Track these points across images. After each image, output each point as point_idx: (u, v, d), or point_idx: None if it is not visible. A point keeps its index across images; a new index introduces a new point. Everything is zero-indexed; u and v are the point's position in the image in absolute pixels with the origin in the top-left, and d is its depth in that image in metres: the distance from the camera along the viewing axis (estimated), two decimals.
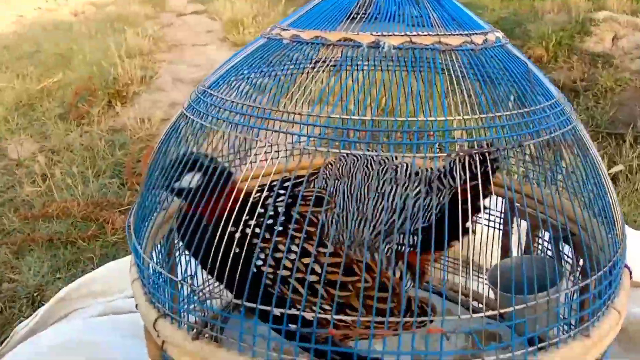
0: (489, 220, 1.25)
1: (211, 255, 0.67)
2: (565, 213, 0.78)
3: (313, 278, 0.70)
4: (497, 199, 1.17)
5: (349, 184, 0.82)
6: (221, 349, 0.67)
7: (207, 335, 0.70)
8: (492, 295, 1.22)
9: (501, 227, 1.26)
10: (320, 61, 0.73)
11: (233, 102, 0.74)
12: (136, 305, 0.82)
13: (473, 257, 1.30)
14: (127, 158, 2.81)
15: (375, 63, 0.79)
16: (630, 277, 0.86)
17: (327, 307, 0.70)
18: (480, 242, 1.22)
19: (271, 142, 0.66)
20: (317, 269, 0.71)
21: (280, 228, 0.74)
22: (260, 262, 0.71)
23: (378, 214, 0.78)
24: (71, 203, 2.23)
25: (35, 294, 1.71)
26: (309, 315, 0.63)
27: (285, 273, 0.70)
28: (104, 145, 2.93)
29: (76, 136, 3.16)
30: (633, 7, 4.73)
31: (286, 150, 0.69)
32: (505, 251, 1.27)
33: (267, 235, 0.73)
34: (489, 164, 0.71)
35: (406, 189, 0.81)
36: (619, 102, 3.44)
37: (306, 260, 0.71)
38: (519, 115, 0.69)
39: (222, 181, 0.71)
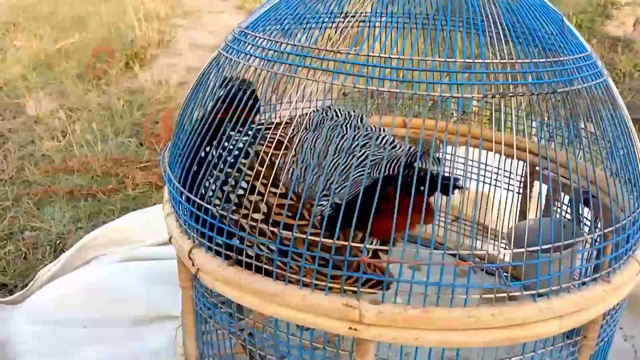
0: (508, 184, 1.26)
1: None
2: (588, 176, 0.79)
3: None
4: (517, 162, 1.19)
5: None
6: (256, 275, 0.70)
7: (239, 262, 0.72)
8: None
9: (520, 190, 1.28)
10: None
11: (272, 40, 0.75)
12: (170, 239, 0.85)
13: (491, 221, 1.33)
14: (145, 119, 2.83)
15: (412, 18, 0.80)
16: None
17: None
18: (499, 205, 1.24)
19: (312, 77, 0.68)
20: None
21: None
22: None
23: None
24: (91, 158, 2.26)
25: (57, 242, 1.75)
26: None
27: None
28: (122, 105, 2.95)
29: (94, 96, 3.18)
30: None
31: (325, 87, 0.71)
32: (524, 215, 1.30)
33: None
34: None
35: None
36: (637, 87, 3.42)
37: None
38: (553, 63, 0.70)
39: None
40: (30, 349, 1.20)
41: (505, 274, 0.99)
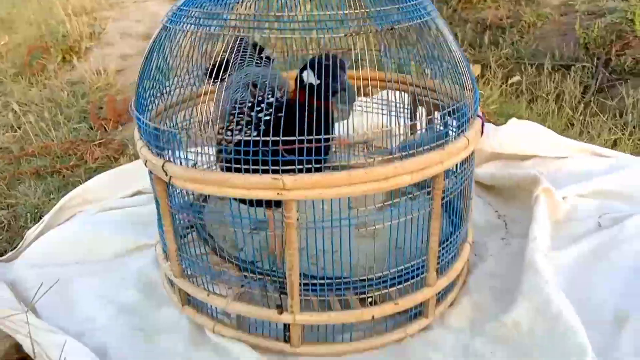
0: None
1: None
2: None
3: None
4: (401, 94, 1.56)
5: None
6: (212, 171, 1.05)
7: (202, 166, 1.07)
8: None
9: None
10: None
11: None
12: (145, 163, 1.17)
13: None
14: (90, 105, 3.08)
15: None
16: (482, 125, 1.27)
17: None
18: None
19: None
20: None
21: None
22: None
23: None
24: (50, 142, 2.51)
25: (35, 212, 2.02)
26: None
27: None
28: (67, 96, 3.17)
29: (37, 90, 3.38)
30: None
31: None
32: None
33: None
34: None
35: None
36: (540, 35, 3.82)
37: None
38: (392, 9, 1.07)
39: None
40: (34, 285, 1.49)
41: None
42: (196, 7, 1.13)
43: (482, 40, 3.75)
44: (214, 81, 1.14)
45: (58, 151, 2.45)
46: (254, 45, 1.47)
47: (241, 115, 1.17)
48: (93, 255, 1.61)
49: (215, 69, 1.10)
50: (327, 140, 1.02)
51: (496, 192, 1.83)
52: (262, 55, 1.43)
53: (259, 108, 1.13)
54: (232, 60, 1.14)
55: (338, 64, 1.09)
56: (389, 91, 1.22)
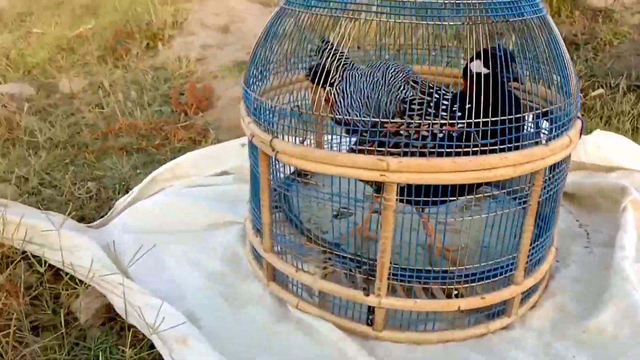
0: None
1: None
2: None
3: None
4: None
5: None
6: (320, 149, 1.09)
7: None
8: None
9: None
10: None
11: None
12: (251, 138, 1.23)
13: None
14: (172, 91, 3.20)
15: None
16: (582, 126, 1.27)
17: None
18: None
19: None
20: None
21: None
22: None
23: None
24: (136, 121, 2.64)
25: (122, 184, 2.12)
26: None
27: None
28: (150, 79, 3.31)
29: (121, 73, 3.54)
30: None
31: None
32: None
33: None
34: None
35: None
36: (616, 54, 3.71)
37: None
38: (507, 2, 1.09)
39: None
40: (128, 248, 1.57)
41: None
42: None
43: None
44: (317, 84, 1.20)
45: (143, 130, 2.57)
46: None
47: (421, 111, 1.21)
48: (183, 226, 1.68)
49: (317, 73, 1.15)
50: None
51: (577, 201, 1.81)
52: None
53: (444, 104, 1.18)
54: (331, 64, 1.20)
55: (509, 55, 1.12)
56: None
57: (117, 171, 2.22)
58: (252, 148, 1.28)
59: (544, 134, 1.45)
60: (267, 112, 1.18)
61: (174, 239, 1.63)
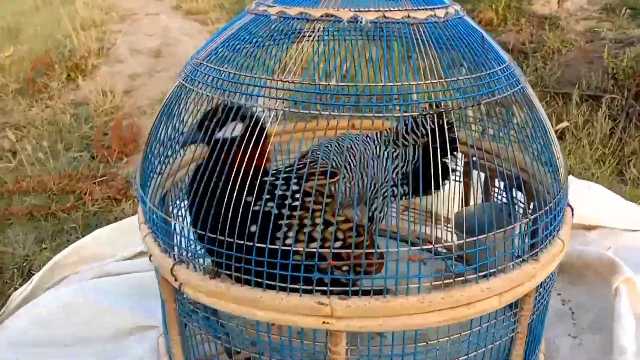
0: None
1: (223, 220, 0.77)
2: (518, 164, 0.93)
3: (338, 244, 0.82)
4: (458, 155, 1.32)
5: (351, 157, 0.96)
6: (236, 285, 0.79)
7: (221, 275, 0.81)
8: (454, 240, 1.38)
9: (461, 180, 1.41)
10: (306, 34, 0.84)
11: (231, 72, 0.84)
12: (150, 257, 0.92)
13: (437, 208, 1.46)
14: (94, 131, 2.84)
15: (353, 36, 0.89)
16: (572, 215, 1.02)
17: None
18: (443, 195, 1.37)
19: (270, 106, 0.77)
20: (340, 235, 0.84)
21: (297, 203, 0.84)
22: (289, 240, 0.82)
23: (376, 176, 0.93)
24: (45, 177, 2.27)
25: (23, 264, 1.77)
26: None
27: (314, 245, 0.82)
28: (70, 119, 2.94)
29: (38, 111, 3.15)
30: None
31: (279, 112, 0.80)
32: (467, 202, 1.43)
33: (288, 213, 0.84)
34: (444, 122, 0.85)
35: (383, 149, 0.95)
36: (565, 62, 3.57)
37: (330, 229, 0.83)
38: (476, 78, 0.82)
39: (258, 132, 0.80)
40: None
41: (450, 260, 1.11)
42: (219, 64, 0.88)
43: None
44: None
45: (54, 188, 2.21)
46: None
47: None
48: (86, 333, 1.35)
49: None
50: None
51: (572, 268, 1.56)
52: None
53: None
54: None
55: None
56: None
57: (19, 246, 1.86)
58: (155, 269, 0.97)
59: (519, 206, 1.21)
60: (169, 230, 0.88)
61: (73, 353, 1.30)
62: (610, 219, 1.63)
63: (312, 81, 0.77)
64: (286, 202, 0.84)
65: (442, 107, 0.78)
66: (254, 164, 0.78)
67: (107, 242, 1.62)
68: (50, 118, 3.03)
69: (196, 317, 0.94)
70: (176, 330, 0.96)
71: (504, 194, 1.27)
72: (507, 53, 0.95)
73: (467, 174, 1.39)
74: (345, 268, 0.80)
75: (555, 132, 2.68)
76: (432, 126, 0.86)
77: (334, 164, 0.99)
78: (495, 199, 1.33)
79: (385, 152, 1.02)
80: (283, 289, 0.77)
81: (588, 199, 1.66)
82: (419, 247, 0.95)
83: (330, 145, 1.01)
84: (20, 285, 1.61)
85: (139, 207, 0.99)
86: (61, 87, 3.42)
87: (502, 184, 1.30)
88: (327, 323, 0.76)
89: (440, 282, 0.77)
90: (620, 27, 3.89)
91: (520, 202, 1.22)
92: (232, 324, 0.90)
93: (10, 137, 2.61)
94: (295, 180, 0.88)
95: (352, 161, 0.98)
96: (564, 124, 2.57)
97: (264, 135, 0.83)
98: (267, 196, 0.79)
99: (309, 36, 0.85)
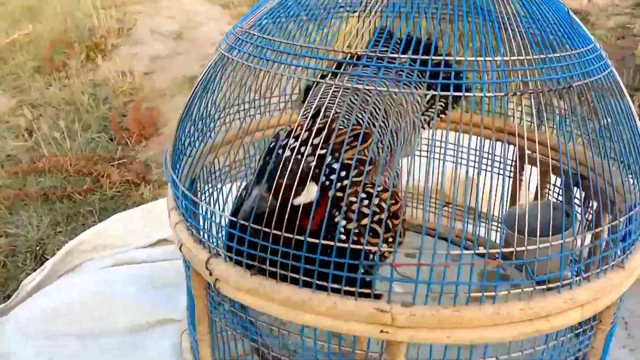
0: (499, 168, 1.28)
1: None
2: (577, 159, 0.81)
3: (384, 215, 0.72)
4: (508, 147, 1.20)
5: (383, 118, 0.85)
6: (281, 283, 0.69)
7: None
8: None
9: (511, 174, 1.30)
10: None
11: (282, 42, 0.73)
12: (180, 247, 0.83)
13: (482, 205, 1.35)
14: (112, 112, 2.76)
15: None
16: None
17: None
18: (490, 190, 1.25)
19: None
20: (384, 205, 0.73)
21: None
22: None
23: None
24: (62, 157, 2.18)
25: (37, 248, 1.69)
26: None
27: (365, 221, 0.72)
28: (88, 99, 2.85)
29: (56, 90, 3.06)
30: None
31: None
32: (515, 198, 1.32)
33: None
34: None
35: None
36: None
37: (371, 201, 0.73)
38: (566, 57, 0.71)
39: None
40: None
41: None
42: (266, 32, 0.78)
43: None
44: None
45: (71, 170, 2.12)
46: None
47: None
48: (103, 326, 1.26)
49: None
50: None
51: None
52: None
53: None
54: None
55: None
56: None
57: (32, 229, 1.77)
58: (185, 262, 0.87)
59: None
60: (204, 217, 0.78)
61: (89, 346, 1.21)
62: None
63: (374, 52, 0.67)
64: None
65: (530, 88, 0.66)
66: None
67: (123, 229, 1.52)
68: (67, 97, 2.94)
69: (222, 311, 0.85)
70: (206, 328, 0.86)
71: (562, 192, 1.16)
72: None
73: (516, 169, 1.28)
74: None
75: None
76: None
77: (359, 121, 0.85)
78: (550, 198, 1.22)
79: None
80: (336, 291, 0.67)
81: None
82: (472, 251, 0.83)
83: (351, 99, 0.86)
84: (33, 270, 1.53)
85: (169, 192, 0.89)
86: (80, 66, 3.34)
87: (558, 180, 1.19)
88: (387, 332, 0.66)
89: (518, 290, 0.66)
90: None
91: (577, 198, 1.11)
92: (262, 323, 0.81)
93: (27, 115, 2.52)
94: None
95: (380, 118, 0.85)
96: None
97: None
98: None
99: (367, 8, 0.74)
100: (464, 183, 1.38)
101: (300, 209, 0.69)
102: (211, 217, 0.76)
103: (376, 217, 0.73)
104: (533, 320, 0.67)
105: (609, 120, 0.76)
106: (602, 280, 0.71)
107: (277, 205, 0.68)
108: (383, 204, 0.74)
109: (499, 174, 1.27)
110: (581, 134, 0.79)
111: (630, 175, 0.82)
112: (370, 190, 0.74)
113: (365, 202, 0.74)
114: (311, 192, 0.71)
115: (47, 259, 1.52)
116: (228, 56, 0.80)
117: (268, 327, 0.83)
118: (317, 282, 0.67)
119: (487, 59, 0.65)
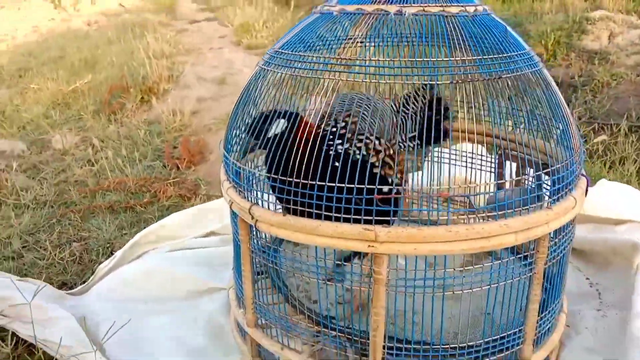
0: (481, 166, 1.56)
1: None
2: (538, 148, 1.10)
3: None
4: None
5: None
6: (300, 217, 1.00)
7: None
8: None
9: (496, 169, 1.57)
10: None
11: (308, 55, 1.06)
12: (230, 205, 1.14)
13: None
14: (165, 144, 3.14)
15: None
16: (588, 185, 1.18)
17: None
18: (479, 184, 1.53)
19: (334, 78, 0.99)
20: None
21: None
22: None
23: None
24: (125, 178, 2.56)
25: (107, 246, 2.03)
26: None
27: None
28: (143, 134, 3.26)
29: (114, 128, 3.49)
30: (628, 6, 5.01)
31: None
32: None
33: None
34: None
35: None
36: (614, 95, 3.66)
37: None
38: (498, 58, 1.01)
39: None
40: (105, 319, 1.47)
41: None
42: (293, 50, 1.11)
43: None
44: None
45: (132, 187, 2.49)
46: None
47: None
48: (165, 293, 1.58)
49: None
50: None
51: (586, 257, 1.70)
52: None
53: None
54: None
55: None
56: (472, 144, 1.15)
57: (102, 232, 2.12)
58: (233, 215, 1.19)
59: (546, 190, 1.37)
60: (247, 177, 1.10)
61: (154, 308, 1.52)
62: (638, 214, 1.75)
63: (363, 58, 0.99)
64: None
65: (472, 78, 0.97)
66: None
67: (183, 223, 1.86)
68: (126, 133, 3.36)
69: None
70: (249, 267, 1.17)
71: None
72: (529, 47, 1.14)
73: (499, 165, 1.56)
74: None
75: (593, 144, 2.78)
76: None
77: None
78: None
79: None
80: (338, 220, 0.97)
81: (618, 196, 1.79)
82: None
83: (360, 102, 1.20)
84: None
85: (222, 168, 1.21)
86: (135, 107, 3.78)
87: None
88: (372, 247, 0.95)
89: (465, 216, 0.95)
90: None
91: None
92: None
93: (90, 149, 2.92)
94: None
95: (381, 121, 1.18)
96: (602, 137, 2.67)
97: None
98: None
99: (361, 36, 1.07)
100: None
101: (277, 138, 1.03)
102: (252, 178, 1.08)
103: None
104: (477, 239, 0.95)
105: (537, 104, 1.06)
106: (532, 215, 0.99)
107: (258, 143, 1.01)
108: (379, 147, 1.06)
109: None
110: (512, 117, 1.09)
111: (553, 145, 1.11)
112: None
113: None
114: (279, 124, 1.04)
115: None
116: (264, 68, 1.14)
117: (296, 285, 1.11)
118: (325, 213, 0.97)
119: (444, 59, 0.96)
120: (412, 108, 1.24)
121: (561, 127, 1.09)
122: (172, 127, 3.42)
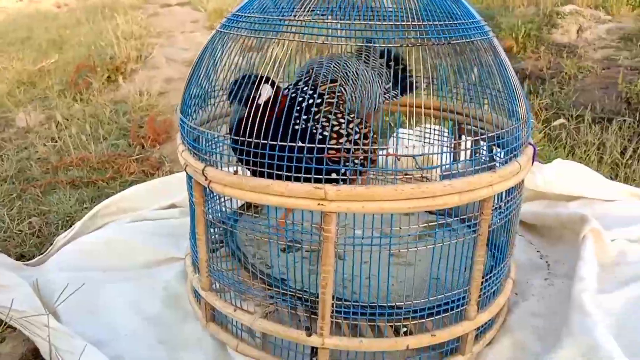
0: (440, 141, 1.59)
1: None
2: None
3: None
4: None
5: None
6: (252, 177, 1.01)
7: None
8: None
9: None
10: None
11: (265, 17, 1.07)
12: (185, 168, 1.15)
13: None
14: (131, 123, 3.12)
15: None
16: (535, 153, 1.22)
17: None
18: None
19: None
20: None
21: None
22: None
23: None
24: (87, 154, 2.53)
25: (66, 220, 2.01)
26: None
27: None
28: (109, 112, 3.22)
29: (80, 107, 3.45)
30: (597, 1, 5.12)
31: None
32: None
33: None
34: None
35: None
36: (581, 88, 3.75)
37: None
38: (450, 25, 1.04)
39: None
40: (61, 286, 1.46)
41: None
42: (252, 12, 1.12)
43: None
44: None
45: (95, 163, 2.47)
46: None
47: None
48: (123, 263, 1.58)
49: None
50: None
51: (539, 231, 1.76)
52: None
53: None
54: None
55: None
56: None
57: (63, 206, 2.11)
58: (188, 178, 1.20)
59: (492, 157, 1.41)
60: (201, 140, 1.11)
61: (112, 277, 1.52)
62: (591, 192, 1.81)
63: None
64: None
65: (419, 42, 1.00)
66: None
67: (144, 195, 1.86)
68: (91, 112, 3.32)
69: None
70: (202, 229, 1.18)
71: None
72: (480, 16, 1.17)
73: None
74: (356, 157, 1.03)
75: (553, 127, 2.85)
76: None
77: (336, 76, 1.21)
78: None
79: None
80: (289, 179, 0.99)
81: (571, 174, 1.85)
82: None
83: (329, 63, 1.22)
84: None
85: (178, 134, 1.22)
86: (102, 87, 3.73)
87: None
88: (322, 205, 0.97)
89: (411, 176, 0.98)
90: (637, 55, 4.04)
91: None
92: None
93: (59, 120, 2.88)
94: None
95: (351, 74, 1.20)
96: (560, 120, 2.74)
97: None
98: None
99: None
100: None
101: (262, 106, 1.03)
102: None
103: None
104: (423, 199, 0.98)
105: (486, 70, 1.09)
106: (476, 177, 1.03)
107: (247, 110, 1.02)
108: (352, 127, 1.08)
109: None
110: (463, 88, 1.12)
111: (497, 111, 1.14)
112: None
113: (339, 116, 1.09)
114: (267, 90, 1.05)
115: None
116: (221, 31, 1.15)
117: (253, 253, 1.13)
118: (276, 172, 0.99)
119: (400, 23, 0.99)
120: (372, 63, 1.26)
121: (509, 97, 1.12)
122: (139, 106, 3.39)
